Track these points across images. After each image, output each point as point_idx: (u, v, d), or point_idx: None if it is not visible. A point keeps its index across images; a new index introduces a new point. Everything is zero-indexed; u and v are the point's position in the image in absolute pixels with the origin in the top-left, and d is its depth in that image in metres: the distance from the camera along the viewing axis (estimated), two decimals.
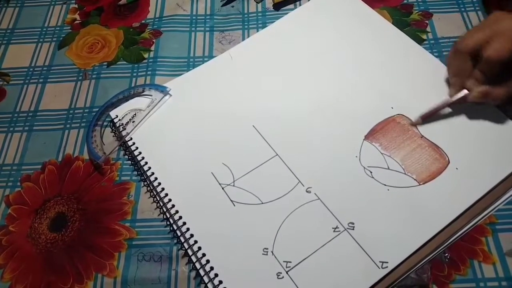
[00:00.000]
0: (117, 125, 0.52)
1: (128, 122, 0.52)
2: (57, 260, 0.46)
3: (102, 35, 0.63)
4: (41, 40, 0.63)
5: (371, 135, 0.49)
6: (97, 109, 0.55)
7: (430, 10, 0.60)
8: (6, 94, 0.59)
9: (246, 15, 0.63)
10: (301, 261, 0.42)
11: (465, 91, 0.46)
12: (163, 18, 0.64)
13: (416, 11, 0.60)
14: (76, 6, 0.67)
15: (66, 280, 0.45)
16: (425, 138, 0.48)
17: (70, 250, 0.46)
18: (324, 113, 0.51)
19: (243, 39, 0.60)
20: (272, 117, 0.52)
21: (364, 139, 0.49)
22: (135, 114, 0.53)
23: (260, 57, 0.57)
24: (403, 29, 0.57)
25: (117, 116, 0.53)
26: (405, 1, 0.61)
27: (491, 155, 0.46)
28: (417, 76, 0.52)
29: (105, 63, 0.60)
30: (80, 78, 0.59)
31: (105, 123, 0.54)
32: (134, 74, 0.58)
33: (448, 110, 0.49)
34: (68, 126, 0.55)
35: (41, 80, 0.59)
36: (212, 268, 0.42)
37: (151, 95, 0.54)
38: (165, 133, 0.52)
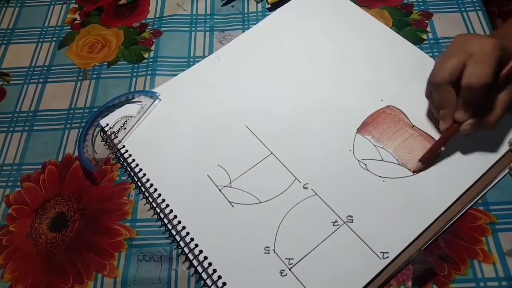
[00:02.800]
0: (109, 133, 0.52)
1: (119, 129, 0.52)
2: (57, 260, 0.46)
3: (102, 35, 0.63)
4: (41, 40, 0.63)
5: (363, 128, 0.50)
6: (94, 112, 0.54)
7: (430, 10, 0.59)
8: (6, 94, 0.59)
9: (246, 15, 0.63)
10: (303, 257, 0.43)
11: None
12: (163, 18, 0.64)
13: (416, 11, 0.60)
14: (76, 6, 0.67)
15: (66, 280, 0.45)
16: (416, 127, 0.49)
17: (70, 250, 0.46)
18: (315, 109, 0.52)
19: None
20: (264, 116, 0.52)
21: (356, 133, 0.49)
22: (126, 121, 0.52)
23: (247, 57, 0.57)
24: (403, 29, 0.57)
25: (107, 124, 0.53)
26: (405, 1, 0.61)
27: (481, 141, 0.47)
28: (403, 68, 0.53)
29: (105, 63, 0.60)
30: (80, 78, 0.59)
31: (95, 132, 0.54)
32: (134, 74, 0.58)
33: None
34: (68, 126, 0.55)
35: (41, 80, 0.59)
36: (215, 271, 0.42)
37: (140, 101, 0.54)
38: (157, 138, 0.52)
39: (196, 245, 0.44)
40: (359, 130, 0.50)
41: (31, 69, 0.61)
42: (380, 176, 0.46)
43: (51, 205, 0.49)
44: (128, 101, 0.55)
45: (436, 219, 0.44)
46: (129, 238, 0.47)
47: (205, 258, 0.43)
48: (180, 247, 0.45)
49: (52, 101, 0.57)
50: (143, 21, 0.64)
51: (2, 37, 0.64)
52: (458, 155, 0.47)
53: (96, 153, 0.52)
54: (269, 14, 0.62)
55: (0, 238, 0.48)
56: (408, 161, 0.47)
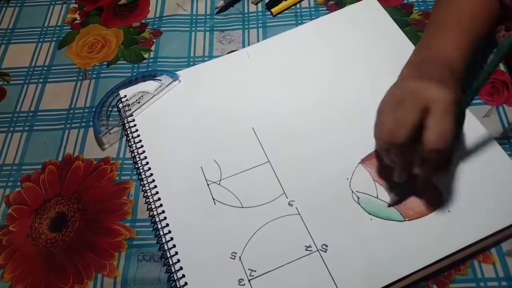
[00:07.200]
0: (124, 104, 0.54)
1: (134, 102, 0.54)
2: (57, 260, 0.46)
3: (102, 34, 0.63)
4: (41, 40, 0.63)
5: (367, 160, 0.47)
6: (122, 81, 0.57)
7: (430, 10, 0.59)
8: (6, 94, 0.59)
9: (246, 15, 0.62)
10: (266, 273, 0.42)
11: None
12: (163, 18, 0.63)
13: (416, 11, 0.60)
14: (76, 5, 0.67)
15: (66, 280, 0.45)
16: None
17: (70, 250, 0.46)
18: (325, 128, 0.50)
19: (243, 39, 0.60)
20: (273, 123, 0.51)
21: (359, 163, 0.47)
22: (142, 96, 0.54)
23: (274, 61, 0.56)
24: (403, 29, 0.57)
25: (125, 95, 0.55)
26: (405, 1, 0.61)
27: (488, 205, 0.43)
28: None
29: (105, 63, 0.60)
30: (80, 78, 0.59)
31: (114, 101, 0.56)
32: (134, 74, 0.58)
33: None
34: (68, 126, 0.55)
35: (41, 80, 0.59)
36: (181, 268, 0.43)
37: (161, 80, 0.55)
38: (167, 120, 0.52)
39: (169, 232, 0.45)
40: (363, 161, 0.47)
41: (31, 69, 0.61)
42: (369, 213, 0.44)
43: (51, 205, 0.49)
44: (151, 77, 0.56)
45: (414, 272, 0.41)
46: (129, 238, 0.47)
47: (176, 253, 0.44)
48: (157, 231, 0.46)
49: (52, 101, 0.57)
50: (143, 21, 0.64)
51: (2, 37, 0.64)
52: (459, 213, 0.43)
53: (109, 121, 0.54)
54: (268, 14, 0.62)
55: (0, 238, 0.48)
56: (403, 206, 0.44)
